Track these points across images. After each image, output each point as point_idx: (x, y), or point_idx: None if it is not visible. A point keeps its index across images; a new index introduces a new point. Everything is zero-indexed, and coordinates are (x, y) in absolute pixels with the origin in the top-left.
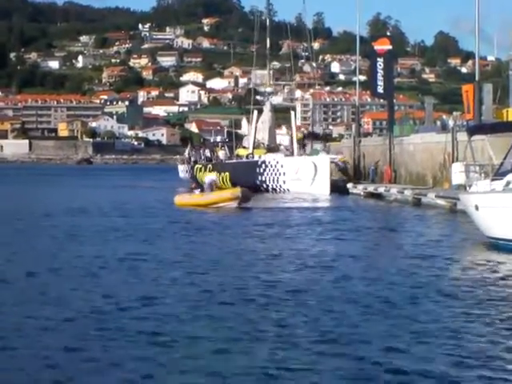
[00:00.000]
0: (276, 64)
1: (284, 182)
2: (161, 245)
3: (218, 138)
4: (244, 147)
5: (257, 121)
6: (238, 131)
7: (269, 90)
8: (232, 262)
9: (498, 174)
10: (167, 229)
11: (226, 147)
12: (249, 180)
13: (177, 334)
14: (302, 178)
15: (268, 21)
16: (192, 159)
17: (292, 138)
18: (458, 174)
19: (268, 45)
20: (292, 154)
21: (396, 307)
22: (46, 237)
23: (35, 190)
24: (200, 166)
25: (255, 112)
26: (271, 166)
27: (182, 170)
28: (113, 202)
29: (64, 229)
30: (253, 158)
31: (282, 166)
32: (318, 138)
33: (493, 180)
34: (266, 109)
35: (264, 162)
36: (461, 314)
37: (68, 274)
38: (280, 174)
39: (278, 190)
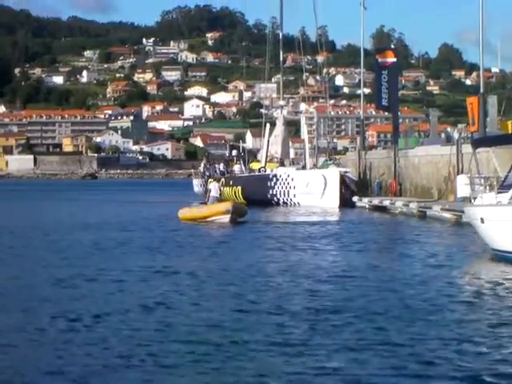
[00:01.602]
0: (279, 77)
1: (294, 196)
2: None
3: (234, 152)
4: (258, 161)
5: (263, 134)
6: (243, 145)
7: (281, 102)
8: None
9: (504, 186)
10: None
11: (242, 161)
12: (261, 194)
13: None
14: (312, 192)
15: (280, 33)
16: (206, 173)
17: (305, 150)
18: (462, 187)
19: (281, 58)
20: (305, 167)
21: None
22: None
23: (48, 206)
24: (213, 180)
25: (267, 126)
26: (282, 180)
27: (197, 184)
28: (136, 216)
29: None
30: (265, 171)
31: (292, 180)
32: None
33: (498, 193)
34: (279, 122)
35: (275, 175)
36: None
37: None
38: (291, 188)
39: (289, 203)
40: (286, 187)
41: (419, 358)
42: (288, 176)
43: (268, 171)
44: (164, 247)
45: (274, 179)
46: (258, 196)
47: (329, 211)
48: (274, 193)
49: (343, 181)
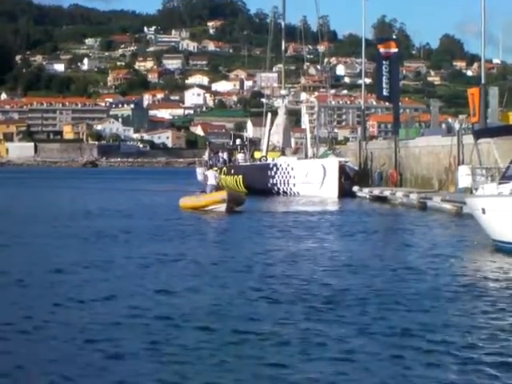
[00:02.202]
0: (281, 67)
1: (294, 185)
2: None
3: (238, 141)
4: (260, 150)
5: (264, 124)
6: (243, 134)
7: (283, 92)
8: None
9: (505, 177)
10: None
11: (246, 150)
12: (261, 183)
13: None
14: (312, 181)
15: (282, 23)
16: (210, 162)
17: (306, 140)
18: (464, 177)
19: (283, 47)
20: (306, 156)
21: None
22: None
23: (49, 193)
24: (216, 169)
25: (269, 115)
26: (282, 169)
27: (200, 173)
28: (138, 205)
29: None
30: (266, 160)
31: (292, 169)
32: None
33: (500, 183)
34: (281, 111)
35: (275, 164)
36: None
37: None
38: (290, 177)
39: (289, 192)
40: (286, 177)
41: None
42: (288, 165)
43: (269, 160)
44: (162, 236)
45: (275, 168)
46: (259, 185)
47: (328, 201)
48: (274, 182)
49: (344, 171)
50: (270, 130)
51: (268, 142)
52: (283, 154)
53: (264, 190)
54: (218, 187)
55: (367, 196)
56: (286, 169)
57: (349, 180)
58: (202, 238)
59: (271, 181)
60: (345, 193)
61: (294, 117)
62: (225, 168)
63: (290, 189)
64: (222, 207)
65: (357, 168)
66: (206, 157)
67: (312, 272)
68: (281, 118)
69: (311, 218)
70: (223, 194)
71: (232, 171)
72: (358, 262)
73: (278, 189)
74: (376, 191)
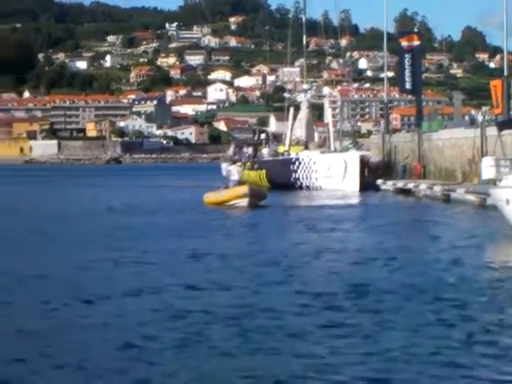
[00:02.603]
0: (303, 61)
1: (316, 179)
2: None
3: (263, 136)
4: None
5: (287, 118)
6: (266, 128)
7: (305, 86)
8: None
9: None
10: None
11: (272, 145)
12: (284, 177)
13: None
14: (334, 175)
15: (303, 17)
16: (235, 157)
17: (329, 133)
18: (488, 169)
19: (304, 41)
20: (329, 150)
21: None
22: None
23: (75, 192)
24: (239, 164)
25: (291, 109)
26: (304, 163)
27: (225, 168)
28: (166, 201)
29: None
30: (289, 155)
31: (314, 163)
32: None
33: None
34: (303, 106)
35: (298, 159)
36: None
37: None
38: (313, 171)
39: (311, 187)
40: (308, 171)
41: None
42: (310, 160)
43: (292, 155)
44: (187, 231)
45: (297, 163)
46: (282, 179)
47: (350, 195)
48: (297, 176)
49: (367, 164)
50: (292, 124)
51: (291, 136)
52: (306, 148)
53: (287, 185)
54: (241, 182)
55: (391, 189)
56: (308, 163)
57: (372, 173)
58: (227, 233)
59: (294, 175)
60: (368, 186)
61: (316, 111)
62: (248, 163)
63: (313, 183)
64: (244, 202)
65: (378, 159)
66: (230, 152)
67: (340, 265)
68: (303, 113)
69: (334, 211)
70: (244, 189)
71: (255, 166)
72: (385, 254)
73: (301, 183)
74: (400, 184)
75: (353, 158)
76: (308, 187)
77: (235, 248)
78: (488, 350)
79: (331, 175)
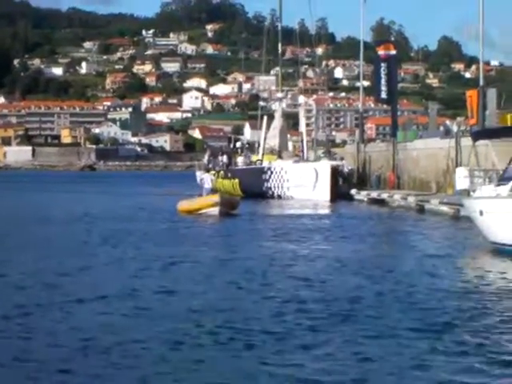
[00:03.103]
0: (278, 70)
1: (288, 189)
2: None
3: (238, 144)
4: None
5: (261, 127)
6: (240, 137)
7: (279, 95)
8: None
9: (503, 179)
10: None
11: (247, 153)
12: (256, 186)
13: None
14: (305, 185)
15: (279, 25)
16: (210, 165)
17: (302, 143)
18: (462, 179)
19: (280, 50)
20: (302, 159)
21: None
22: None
23: (48, 198)
24: (214, 172)
25: (265, 118)
26: (276, 173)
27: (199, 176)
28: (140, 208)
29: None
30: (261, 164)
31: (286, 173)
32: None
33: (498, 185)
34: (277, 114)
35: (270, 168)
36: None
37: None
38: (284, 181)
39: (283, 196)
40: (280, 180)
41: None
42: (282, 169)
43: (265, 164)
44: (158, 238)
45: (269, 172)
46: (254, 188)
47: (320, 204)
48: (269, 185)
49: (341, 173)
50: (266, 133)
51: (264, 145)
52: (280, 157)
53: (259, 194)
54: (214, 190)
55: (365, 199)
56: (280, 172)
57: (346, 182)
58: (195, 242)
59: (266, 184)
60: (341, 195)
61: (291, 120)
62: (222, 171)
63: (284, 192)
64: (216, 210)
65: (350, 167)
66: (205, 160)
67: (309, 273)
68: (277, 121)
69: (304, 220)
70: (216, 198)
71: (229, 174)
72: (352, 264)
73: (273, 192)
74: (374, 194)
75: (324, 167)
76: (280, 196)
77: (196, 256)
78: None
79: (302, 185)
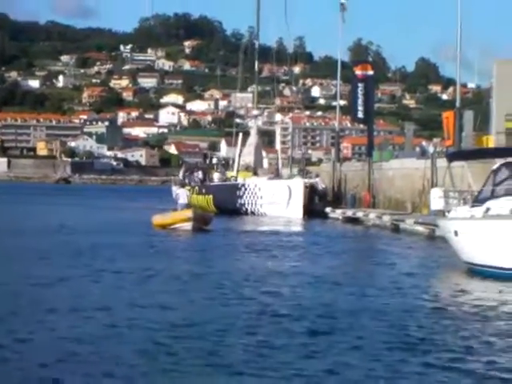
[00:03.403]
0: (255, 87)
1: (261, 206)
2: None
3: (214, 160)
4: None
5: (236, 143)
6: (217, 153)
7: (255, 112)
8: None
9: (478, 200)
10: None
11: (223, 169)
12: (230, 202)
13: None
14: (278, 202)
15: (256, 43)
16: (185, 181)
17: (277, 160)
18: (436, 200)
19: (256, 67)
20: (277, 176)
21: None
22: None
23: (23, 210)
24: (189, 188)
25: (240, 135)
26: (250, 189)
27: (174, 191)
28: (114, 223)
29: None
30: (236, 180)
31: (259, 190)
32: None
33: (472, 206)
34: (253, 132)
35: (244, 185)
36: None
37: None
38: (258, 198)
39: (256, 212)
40: (254, 197)
41: None
42: (255, 186)
43: (239, 180)
44: (129, 252)
45: (243, 189)
46: (228, 205)
47: (293, 221)
48: (243, 202)
49: (316, 191)
50: (240, 150)
51: (239, 161)
52: (255, 174)
53: (233, 210)
54: (189, 206)
55: (340, 217)
56: (254, 189)
57: (322, 200)
58: (167, 256)
59: (239, 201)
60: (316, 213)
61: (267, 137)
62: (197, 187)
63: (258, 209)
64: (189, 225)
65: (323, 186)
66: (180, 175)
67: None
68: (253, 138)
69: (275, 238)
70: (189, 213)
71: (203, 190)
72: (323, 280)
73: (246, 209)
74: (349, 212)
75: (297, 184)
76: (253, 213)
77: (167, 269)
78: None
79: (275, 202)
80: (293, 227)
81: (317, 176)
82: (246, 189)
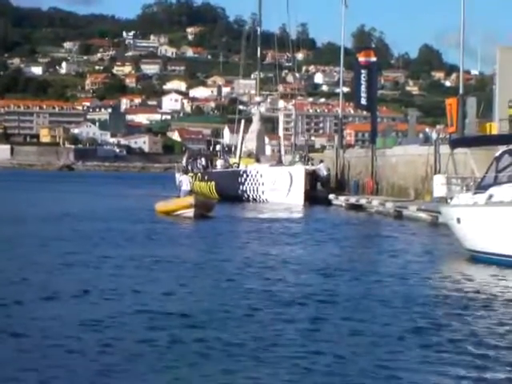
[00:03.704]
0: (260, 74)
1: (263, 192)
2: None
3: (218, 147)
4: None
5: (243, 130)
6: (220, 140)
7: (258, 99)
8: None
9: (480, 187)
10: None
11: (226, 156)
12: (232, 189)
13: None
14: (279, 188)
15: (259, 30)
16: (189, 168)
17: (280, 147)
18: (439, 187)
19: (259, 54)
20: (279, 163)
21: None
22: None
23: (26, 197)
24: (192, 174)
25: (242, 121)
26: (251, 176)
27: (178, 178)
28: (119, 209)
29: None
30: (238, 167)
31: (261, 176)
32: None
33: (475, 193)
34: (255, 118)
35: (245, 171)
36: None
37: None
38: (259, 184)
39: (258, 199)
40: (255, 183)
41: None
42: (257, 173)
43: (242, 167)
44: (132, 239)
45: (245, 175)
46: (230, 191)
47: (294, 208)
48: (244, 189)
49: (318, 178)
50: (243, 137)
51: (241, 148)
52: (258, 160)
53: (235, 197)
54: (192, 192)
55: (343, 204)
56: (255, 176)
57: (325, 187)
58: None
59: (241, 187)
60: (319, 200)
61: (270, 124)
62: (199, 174)
63: (259, 196)
64: (190, 212)
65: (325, 173)
66: (184, 162)
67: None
68: (255, 125)
69: (276, 224)
70: (190, 199)
71: (206, 177)
72: (323, 267)
73: (248, 195)
74: (352, 199)
75: (298, 171)
76: (255, 200)
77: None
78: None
79: (277, 188)
80: (294, 214)
81: (321, 162)
82: (247, 175)
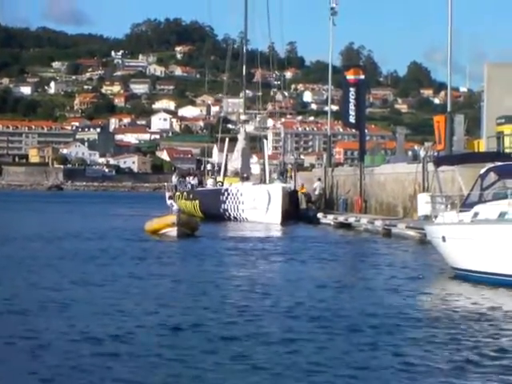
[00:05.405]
0: (248, 92)
1: (243, 211)
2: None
3: (209, 166)
4: (227, 176)
5: (228, 149)
6: (209, 159)
7: (243, 117)
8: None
9: (465, 205)
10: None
11: (216, 175)
12: (214, 208)
13: None
14: (258, 207)
15: (244, 48)
16: (178, 187)
17: (264, 166)
18: (423, 205)
19: (244, 72)
20: (264, 182)
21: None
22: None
23: (15, 217)
24: (179, 193)
25: (226, 140)
26: (232, 195)
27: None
28: (105, 228)
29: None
30: (222, 185)
31: (241, 195)
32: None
33: (460, 211)
34: (241, 137)
35: (226, 190)
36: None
37: None
38: (239, 203)
39: (238, 218)
40: (236, 202)
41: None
42: (237, 191)
43: (226, 186)
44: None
45: (226, 194)
46: (213, 210)
47: (274, 227)
48: (226, 207)
49: (307, 196)
50: (227, 155)
51: (225, 167)
52: (243, 179)
53: (217, 215)
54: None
55: (332, 223)
56: (236, 194)
57: (314, 205)
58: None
59: (223, 206)
60: (305, 218)
61: (257, 143)
62: (185, 193)
63: (239, 214)
64: (174, 231)
65: (321, 192)
66: (173, 181)
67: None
68: (240, 144)
69: (253, 244)
70: (173, 218)
71: (191, 196)
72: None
73: (229, 214)
74: (341, 218)
75: (276, 189)
76: (235, 218)
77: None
78: None
79: (256, 207)
80: (271, 232)
81: (319, 180)
82: (228, 194)
